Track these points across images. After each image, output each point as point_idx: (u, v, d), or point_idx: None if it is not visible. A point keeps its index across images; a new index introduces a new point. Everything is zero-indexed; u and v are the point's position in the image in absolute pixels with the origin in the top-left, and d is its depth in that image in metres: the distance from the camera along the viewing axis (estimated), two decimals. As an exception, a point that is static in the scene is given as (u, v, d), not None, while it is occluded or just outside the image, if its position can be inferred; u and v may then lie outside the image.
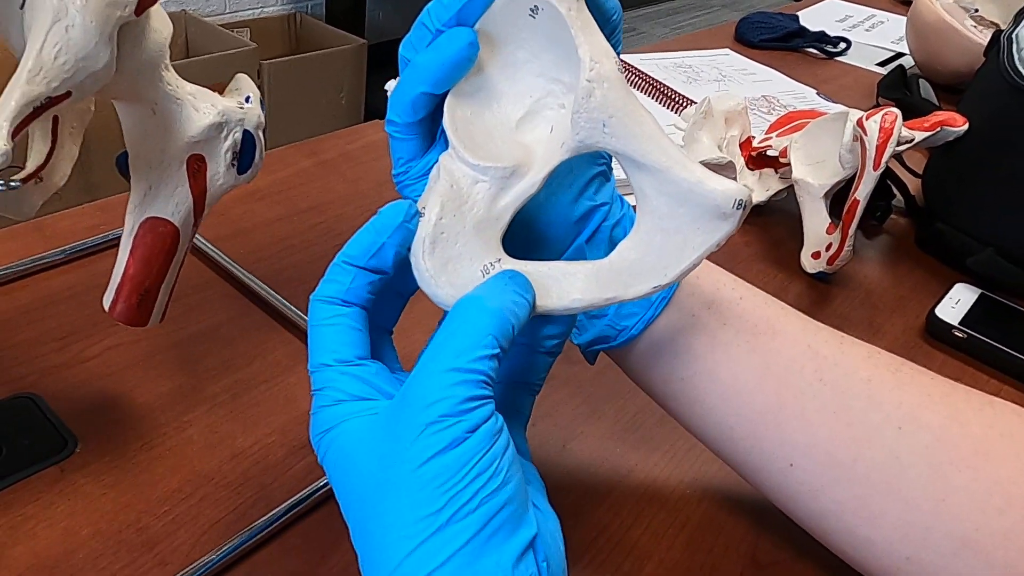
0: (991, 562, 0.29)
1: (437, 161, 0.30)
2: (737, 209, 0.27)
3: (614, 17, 0.30)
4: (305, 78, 2.01)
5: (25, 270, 0.49)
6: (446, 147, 0.31)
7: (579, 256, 0.34)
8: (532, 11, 0.28)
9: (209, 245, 0.53)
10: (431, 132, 0.31)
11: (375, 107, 2.21)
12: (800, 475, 0.33)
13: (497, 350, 0.25)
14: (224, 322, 0.48)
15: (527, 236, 0.31)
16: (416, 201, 0.31)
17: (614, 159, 0.29)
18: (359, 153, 0.69)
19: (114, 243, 0.53)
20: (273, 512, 0.37)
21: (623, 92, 0.27)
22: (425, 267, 0.28)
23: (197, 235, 0.54)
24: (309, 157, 0.67)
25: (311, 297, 0.29)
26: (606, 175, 0.34)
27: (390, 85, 0.91)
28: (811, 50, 1.09)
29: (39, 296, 0.48)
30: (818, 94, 0.92)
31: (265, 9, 2.33)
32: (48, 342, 0.45)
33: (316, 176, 0.65)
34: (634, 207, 0.31)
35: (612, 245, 0.34)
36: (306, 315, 0.48)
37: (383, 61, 2.28)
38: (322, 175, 0.65)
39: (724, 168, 0.64)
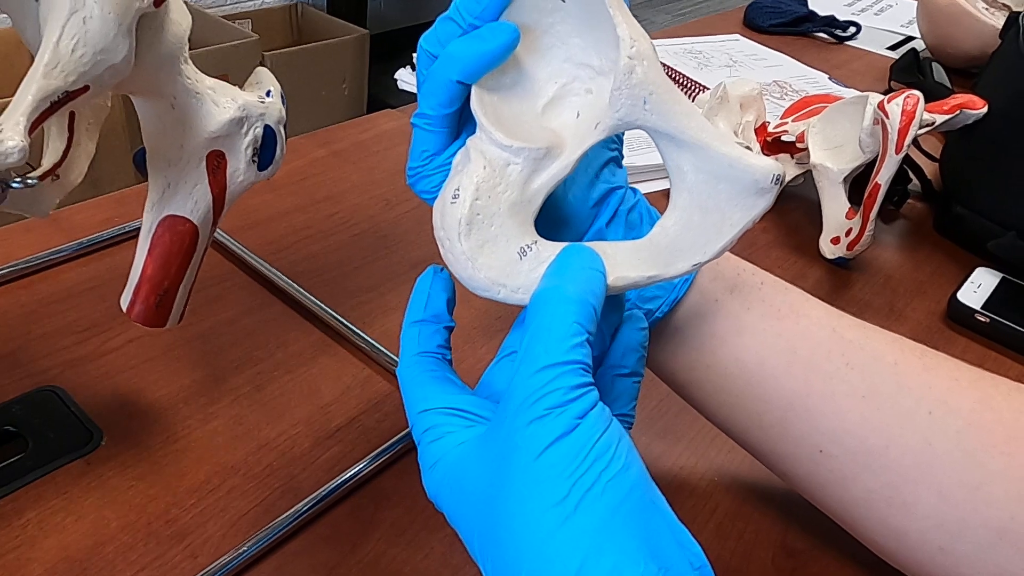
0: None
1: (460, 149, 0.29)
2: (775, 184, 0.27)
3: None
4: (307, 69, 2.00)
5: (44, 263, 0.48)
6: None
7: (600, 239, 0.33)
8: None
9: (227, 236, 0.53)
10: (456, 126, 0.31)
11: (378, 97, 2.20)
12: (830, 462, 0.32)
13: (586, 335, 0.25)
14: (244, 313, 0.48)
15: (547, 220, 0.31)
16: (429, 192, 0.31)
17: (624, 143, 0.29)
18: (372, 142, 0.68)
19: (131, 235, 0.53)
20: (301, 503, 0.37)
21: (660, 71, 0.27)
22: (461, 249, 0.28)
23: (214, 226, 0.54)
24: (322, 147, 0.66)
25: (397, 371, 0.30)
26: (618, 160, 0.34)
27: (400, 74, 0.91)
28: (821, 35, 1.08)
29: (58, 289, 0.47)
30: (830, 79, 0.92)
31: (267, 0, 2.32)
32: (69, 335, 0.44)
33: (330, 166, 0.64)
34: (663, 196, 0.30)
35: (629, 229, 0.34)
36: (326, 304, 0.48)
37: (385, 51, 2.27)
38: (336, 165, 0.64)
39: (741, 154, 0.63)
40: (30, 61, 0.27)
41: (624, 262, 0.28)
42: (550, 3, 0.28)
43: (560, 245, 0.28)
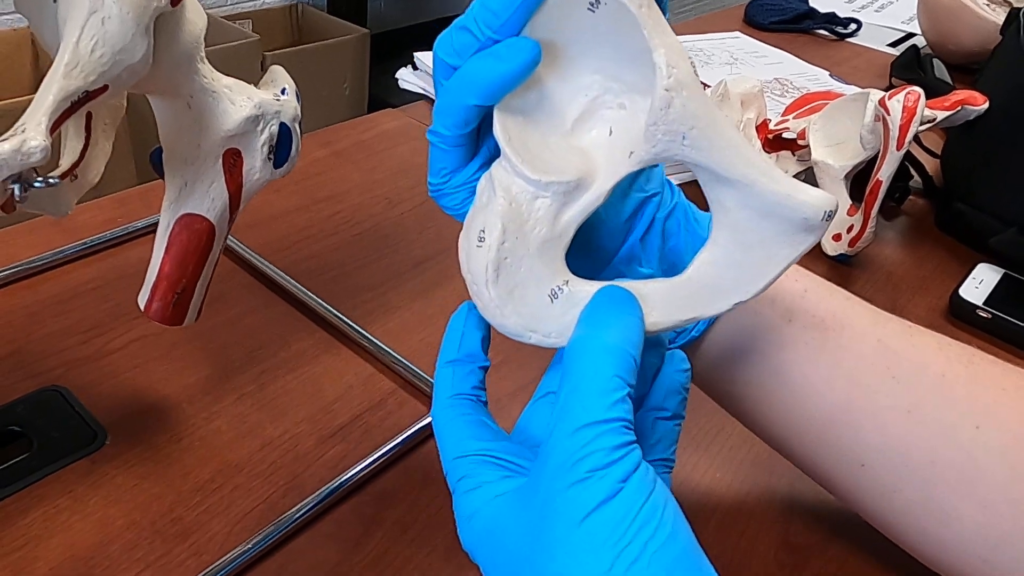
0: None
1: (484, 175, 0.27)
2: (826, 221, 0.25)
3: None
4: (308, 69, 2.00)
5: (47, 264, 0.49)
6: (490, 155, 0.29)
7: (632, 257, 0.32)
8: (592, 5, 0.25)
9: (230, 236, 0.53)
10: (475, 141, 0.29)
11: (379, 97, 2.20)
12: (872, 475, 0.32)
13: (626, 389, 0.23)
14: (247, 312, 0.48)
15: (576, 241, 0.29)
16: (453, 209, 0.30)
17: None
18: (373, 142, 0.68)
19: (134, 235, 0.53)
20: (305, 501, 0.37)
21: (701, 98, 0.25)
22: (489, 297, 0.26)
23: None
24: (323, 147, 0.67)
25: (431, 413, 0.28)
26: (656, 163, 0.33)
27: (401, 74, 0.90)
28: (821, 32, 1.08)
29: (62, 289, 0.48)
30: (831, 76, 0.92)
31: (267, 0, 2.32)
32: (73, 335, 0.44)
33: (331, 166, 0.64)
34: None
35: (666, 240, 0.32)
36: (328, 303, 0.48)
37: (386, 51, 2.27)
38: (337, 165, 0.64)
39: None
40: (34, 61, 0.27)
41: (661, 304, 0.26)
42: (578, 12, 0.26)
43: (594, 285, 0.27)
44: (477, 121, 0.27)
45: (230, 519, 0.36)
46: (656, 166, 0.32)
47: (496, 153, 0.27)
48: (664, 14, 0.26)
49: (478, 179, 0.28)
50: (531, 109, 0.27)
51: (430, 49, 0.29)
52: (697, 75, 0.25)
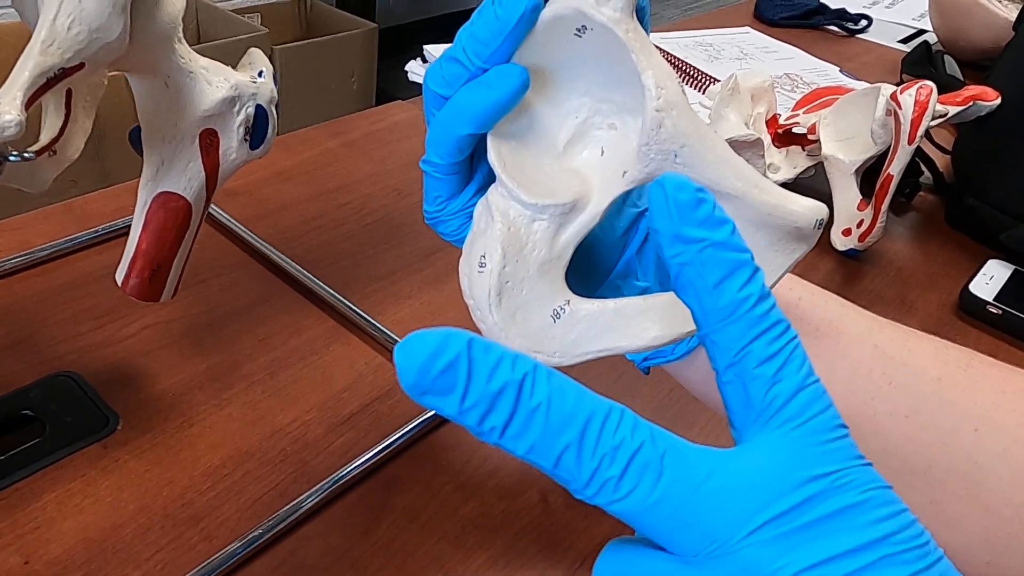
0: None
1: (480, 200, 0.28)
2: (818, 229, 0.25)
3: (643, 5, 0.28)
4: (317, 63, 2.00)
5: (59, 251, 0.49)
6: (484, 181, 0.29)
7: (629, 272, 0.32)
8: (579, 31, 0.26)
9: (240, 225, 0.53)
10: (470, 168, 0.29)
11: (387, 91, 2.21)
12: None
13: None
14: (257, 301, 0.48)
15: (572, 260, 0.29)
16: (451, 235, 0.30)
17: None
18: (383, 133, 0.68)
19: (145, 224, 0.53)
20: (315, 488, 0.37)
21: (691, 116, 0.25)
22: (494, 321, 0.26)
23: (228, 216, 0.54)
24: (334, 138, 0.67)
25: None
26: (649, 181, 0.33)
27: (411, 66, 0.90)
28: (832, 28, 1.07)
29: (74, 276, 0.48)
30: (841, 71, 0.91)
31: (275, -6, 2.32)
32: (85, 321, 0.45)
33: (342, 156, 0.64)
34: None
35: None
36: (338, 292, 0.48)
37: (394, 45, 2.27)
38: (348, 155, 0.65)
39: (753, 145, 0.63)
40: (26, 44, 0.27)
41: (660, 318, 0.27)
42: (565, 37, 0.26)
43: (595, 303, 0.27)
44: (471, 149, 0.28)
45: (240, 505, 0.36)
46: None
47: (491, 178, 0.27)
48: (647, 33, 0.26)
49: (474, 205, 0.28)
50: (524, 134, 0.28)
51: (438, 43, 0.29)
52: (685, 93, 0.26)
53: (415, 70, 0.80)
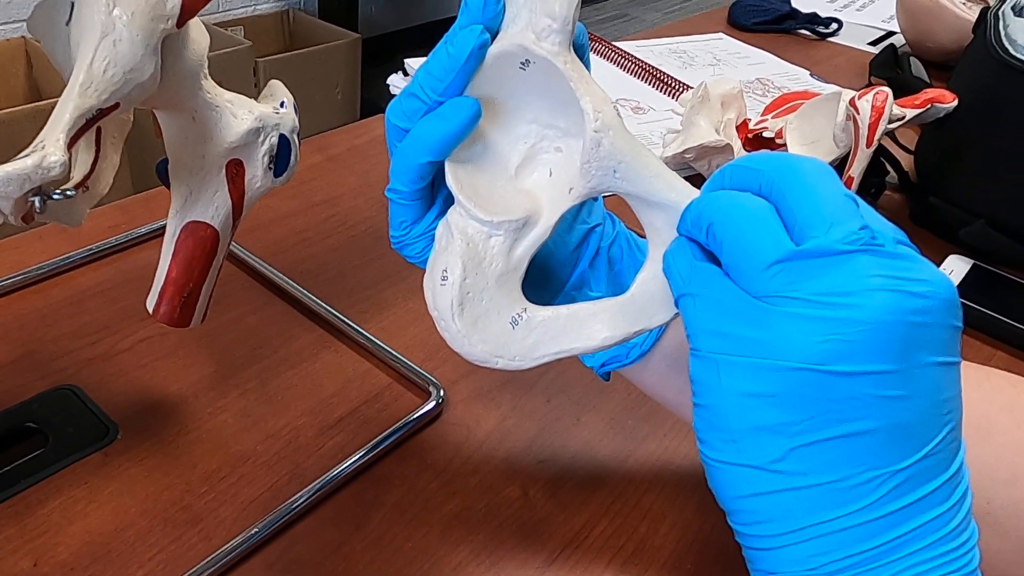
0: (1005, 534, 0.30)
1: (441, 221, 0.31)
2: None
3: (582, 41, 0.31)
4: (300, 74, 2.02)
5: (56, 269, 0.51)
6: (444, 205, 0.32)
7: (583, 283, 0.35)
8: (523, 64, 0.29)
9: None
10: (431, 194, 0.32)
11: (371, 102, 2.23)
12: None
13: None
14: (248, 313, 0.50)
15: (530, 272, 0.32)
16: (416, 257, 0.33)
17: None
18: (366, 147, 0.70)
19: (136, 240, 0.55)
20: (307, 488, 0.39)
21: (626, 136, 0.28)
22: (456, 329, 0.29)
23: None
24: (318, 152, 0.69)
25: None
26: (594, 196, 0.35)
27: (392, 80, 0.92)
28: (803, 32, 1.10)
29: (70, 293, 0.50)
30: (811, 75, 0.94)
31: (258, 7, 2.34)
32: (83, 336, 0.47)
33: (326, 170, 0.66)
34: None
35: (612, 265, 0.35)
36: (326, 303, 0.50)
37: (377, 55, 2.29)
38: (332, 169, 0.67)
39: (723, 151, 0.65)
40: (27, 71, 0.29)
41: (610, 320, 0.29)
42: (511, 71, 0.29)
43: (549, 310, 0.30)
44: (431, 176, 0.30)
45: (237, 506, 0.38)
46: (596, 200, 0.35)
47: (450, 203, 0.30)
48: (587, 68, 0.29)
49: (436, 227, 0.31)
50: (478, 159, 0.31)
51: (421, 53, 0.32)
52: (620, 116, 0.29)
53: (397, 83, 0.83)
